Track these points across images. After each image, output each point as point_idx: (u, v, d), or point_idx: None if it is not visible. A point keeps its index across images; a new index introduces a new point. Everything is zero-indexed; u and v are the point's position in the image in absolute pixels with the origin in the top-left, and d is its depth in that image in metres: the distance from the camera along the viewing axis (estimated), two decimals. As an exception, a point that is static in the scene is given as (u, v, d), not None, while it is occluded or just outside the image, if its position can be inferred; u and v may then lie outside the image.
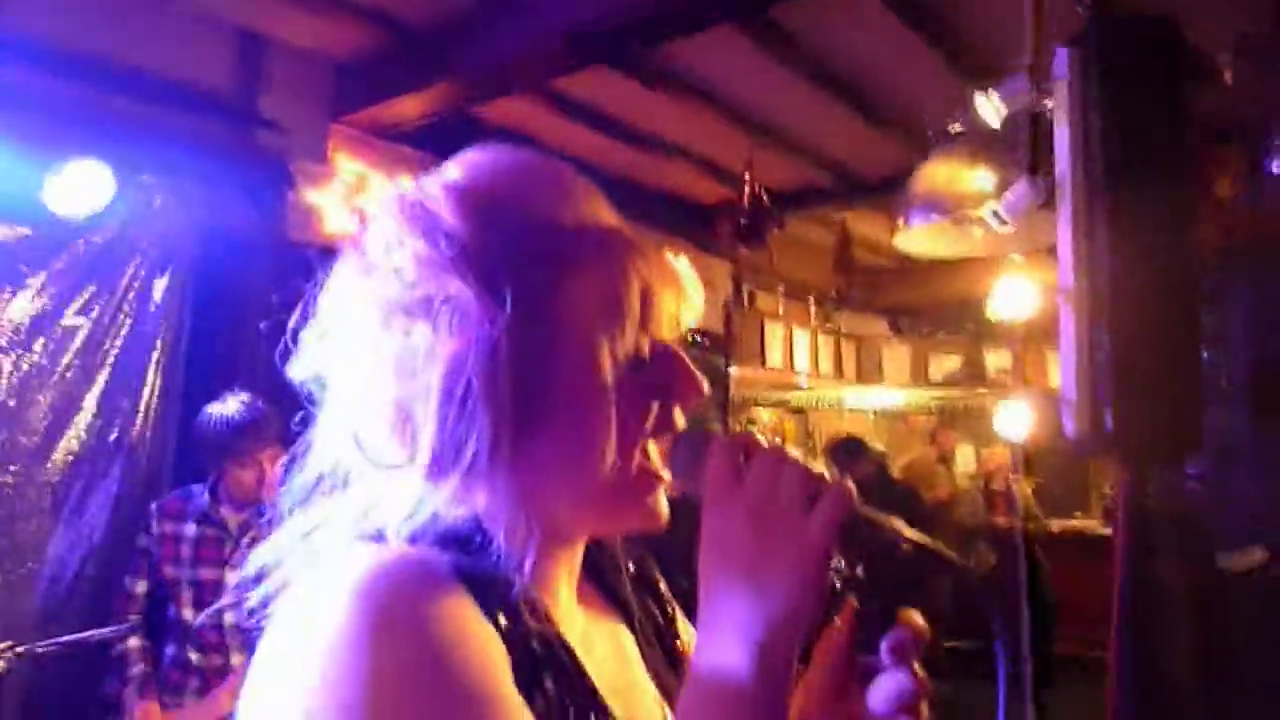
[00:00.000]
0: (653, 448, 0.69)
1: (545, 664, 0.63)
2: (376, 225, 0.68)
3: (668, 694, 0.76)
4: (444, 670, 0.55)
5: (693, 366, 0.70)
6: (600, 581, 0.81)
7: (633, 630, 0.80)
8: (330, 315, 0.69)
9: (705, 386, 0.70)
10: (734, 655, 0.57)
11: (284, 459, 2.34)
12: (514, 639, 0.61)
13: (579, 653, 0.68)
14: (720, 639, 0.58)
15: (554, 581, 0.71)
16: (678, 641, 0.84)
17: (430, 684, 0.54)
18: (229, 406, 2.59)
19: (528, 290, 0.63)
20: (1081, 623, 5.24)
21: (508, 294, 0.62)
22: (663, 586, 0.88)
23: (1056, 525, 6.89)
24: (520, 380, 0.62)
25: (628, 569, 0.84)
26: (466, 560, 0.62)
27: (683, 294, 0.72)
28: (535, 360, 0.63)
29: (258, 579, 0.67)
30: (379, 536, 0.64)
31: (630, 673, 0.76)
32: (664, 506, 0.70)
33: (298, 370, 0.70)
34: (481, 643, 0.58)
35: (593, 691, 0.66)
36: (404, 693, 0.53)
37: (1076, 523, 7.16)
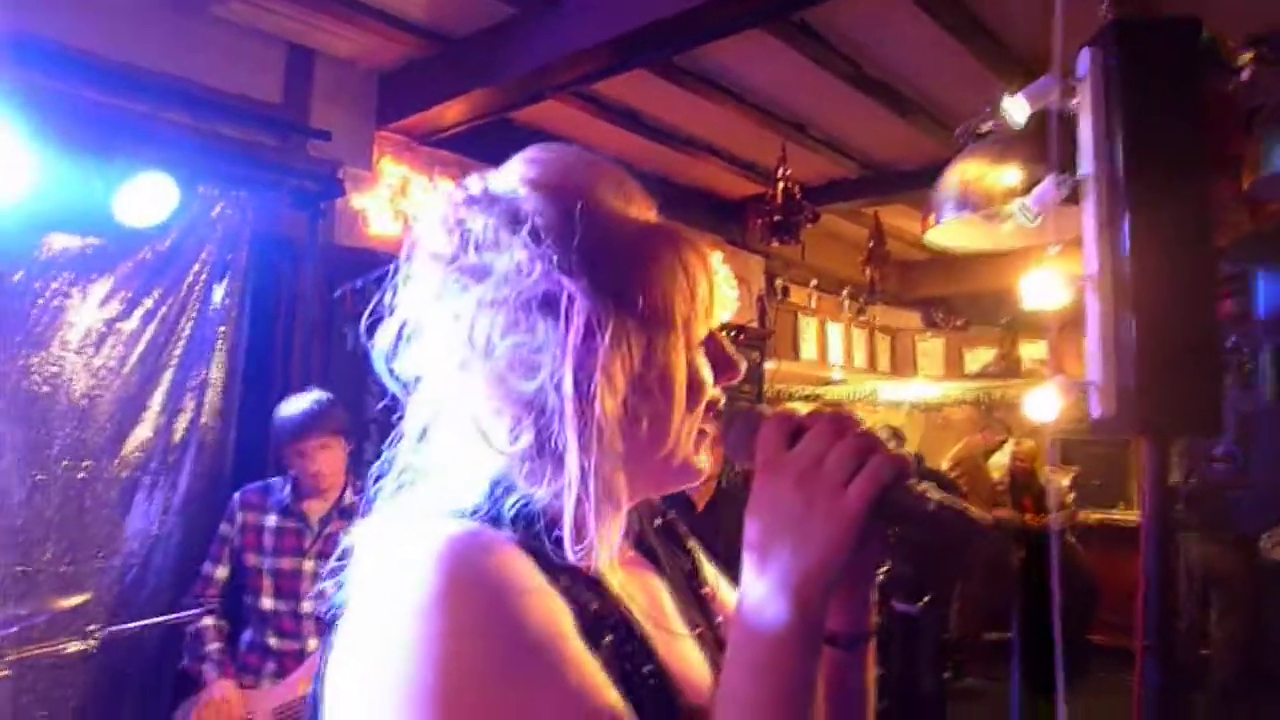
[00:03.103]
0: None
1: (604, 619, 0.71)
2: (458, 226, 0.72)
3: (700, 635, 0.84)
4: (513, 621, 0.62)
5: (733, 349, 0.79)
6: (632, 537, 0.87)
7: (663, 579, 0.87)
8: (424, 315, 0.74)
9: (742, 367, 0.79)
10: (776, 600, 0.65)
11: (343, 449, 2.45)
12: (573, 597, 0.68)
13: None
14: (765, 586, 0.66)
15: (601, 542, 0.76)
16: (704, 587, 0.92)
17: (503, 634, 0.62)
18: (295, 401, 2.73)
19: (624, 284, 0.70)
20: (1120, 613, 5.25)
21: (613, 289, 0.69)
22: (686, 537, 0.96)
23: (1096, 516, 6.86)
24: (630, 369, 0.70)
25: (654, 524, 0.92)
26: (527, 533, 0.70)
27: (722, 285, 0.79)
28: (637, 349, 0.70)
29: (343, 558, 0.72)
30: (451, 515, 0.71)
31: (665, 619, 0.83)
32: (705, 462, 0.78)
33: (396, 368, 0.74)
34: (545, 597, 0.66)
35: (646, 646, 0.74)
36: (477, 644, 0.61)
37: (1117, 514, 7.12)
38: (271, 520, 2.75)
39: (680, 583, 0.89)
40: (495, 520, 0.70)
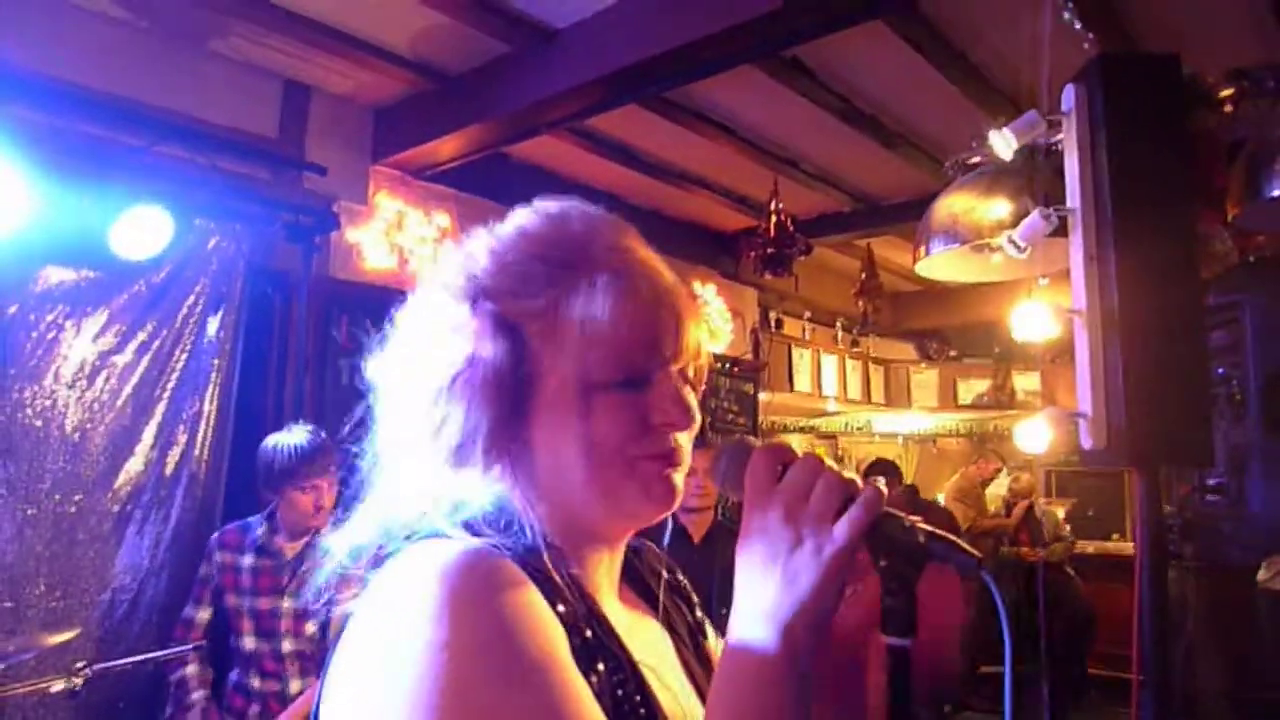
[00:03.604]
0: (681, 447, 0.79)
1: (597, 647, 0.72)
2: (446, 260, 0.82)
3: (699, 687, 0.84)
4: (513, 641, 0.63)
5: (683, 395, 0.78)
6: (638, 587, 0.91)
7: (667, 630, 0.89)
8: (400, 333, 0.81)
9: (695, 415, 0.78)
10: (765, 633, 0.66)
11: (337, 485, 2.37)
12: (570, 623, 0.70)
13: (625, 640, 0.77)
14: (754, 619, 0.67)
15: (596, 578, 0.80)
16: (706, 641, 0.93)
17: (502, 652, 0.63)
18: (295, 435, 2.67)
19: (527, 321, 0.75)
20: (1117, 644, 5.22)
21: (509, 323, 0.75)
22: (692, 594, 0.98)
23: (1092, 547, 6.85)
24: (512, 390, 0.74)
25: (662, 576, 0.93)
26: (523, 552, 0.71)
27: (698, 327, 0.80)
28: (530, 376, 0.75)
29: (328, 582, 0.76)
30: (445, 533, 0.73)
31: (666, 667, 0.83)
32: (678, 484, 0.78)
33: (371, 374, 0.82)
34: (545, 620, 0.67)
35: (638, 675, 0.74)
36: (479, 660, 0.62)
37: (1111, 545, 7.11)
38: (248, 560, 2.69)
39: (684, 635, 0.90)
40: (490, 535, 0.72)
